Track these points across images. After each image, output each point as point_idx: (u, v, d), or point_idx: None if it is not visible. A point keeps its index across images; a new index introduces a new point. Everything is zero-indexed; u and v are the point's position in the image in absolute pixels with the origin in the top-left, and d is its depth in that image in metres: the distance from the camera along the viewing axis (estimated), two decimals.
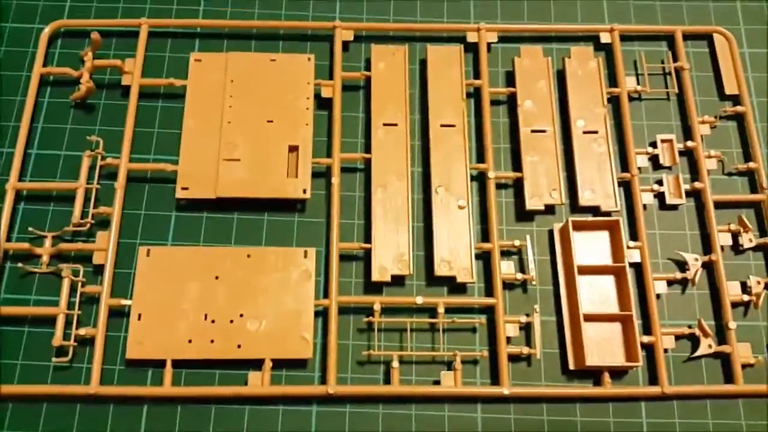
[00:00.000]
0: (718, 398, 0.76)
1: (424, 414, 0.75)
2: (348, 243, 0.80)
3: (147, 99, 0.87)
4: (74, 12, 0.91)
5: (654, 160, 0.86)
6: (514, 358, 0.77)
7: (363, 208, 0.83)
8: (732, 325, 0.77)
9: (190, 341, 0.74)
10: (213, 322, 0.75)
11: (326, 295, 0.78)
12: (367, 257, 0.80)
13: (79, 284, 0.77)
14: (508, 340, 0.77)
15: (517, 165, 0.85)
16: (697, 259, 0.81)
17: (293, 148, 0.82)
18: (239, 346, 0.74)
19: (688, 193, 0.84)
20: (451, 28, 0.91)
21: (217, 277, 0.76)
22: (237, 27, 0.91)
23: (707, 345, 0.77)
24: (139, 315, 0.75)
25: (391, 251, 0.79)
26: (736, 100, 0.90)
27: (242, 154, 0.81)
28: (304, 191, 0.80)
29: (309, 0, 0.93)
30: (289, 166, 0.82)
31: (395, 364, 0.75)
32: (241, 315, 0.75)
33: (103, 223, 0.80)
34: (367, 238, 0.81)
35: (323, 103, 0.87)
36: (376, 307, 0.76)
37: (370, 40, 0.91)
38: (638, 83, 0.90)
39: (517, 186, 0.84)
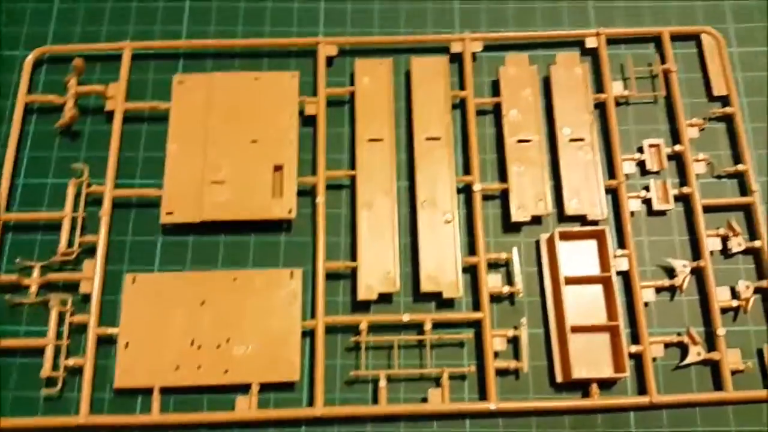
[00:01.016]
0: (708, 405, 0.76)
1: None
2: (334, 262, 0.80)
3: (132, 123, 0.87)
4: (58, 37, 0.91)
5: (642, 165, 0.86)
6: (502, 372, 0.77)
7: (349, 226, 0.83)
8: (721, 331, 0.77)
9: (177, 368, 0.74)
10: (199, 348, 0.75)
11: (313, 315, 0.78)
12: (354, 275, 0.80)
13: (68, 314, 0.77)
14: (496, 354, 0.77)
15: (503, 176, 0.84)
16: (685, 266, 0.80)
17: (278, 168, 0.82)
18: (226, 371, 0.74)
19: (677, 198, 0.83)
20: (435, 39, 0.91)
21: (203, 303, 0.77)
22: (220, 46, 0.91)
23: (696, 353, 0.77)
24: (127, 343, 0.75)
25: (378, 268, 0.79)
26: (725, 101, 0.88)
27: (226, 176, 0.81)
28: (290, 211, 0.80)
29: (293, 14, 0.93)
30: (275, 186, 0.82)
31: (382, 383, 0.75)
32: (228, 340, 0.75)
33: (91, 251, 0.80)
34: (354, 255, 0.80)
35: (308, 120, 0.87)
36: (363, 326, 0.76)
37: (354, 53, 0.90)
38: (625, 88, 0.89)
39: (504, 197, 0.84)
